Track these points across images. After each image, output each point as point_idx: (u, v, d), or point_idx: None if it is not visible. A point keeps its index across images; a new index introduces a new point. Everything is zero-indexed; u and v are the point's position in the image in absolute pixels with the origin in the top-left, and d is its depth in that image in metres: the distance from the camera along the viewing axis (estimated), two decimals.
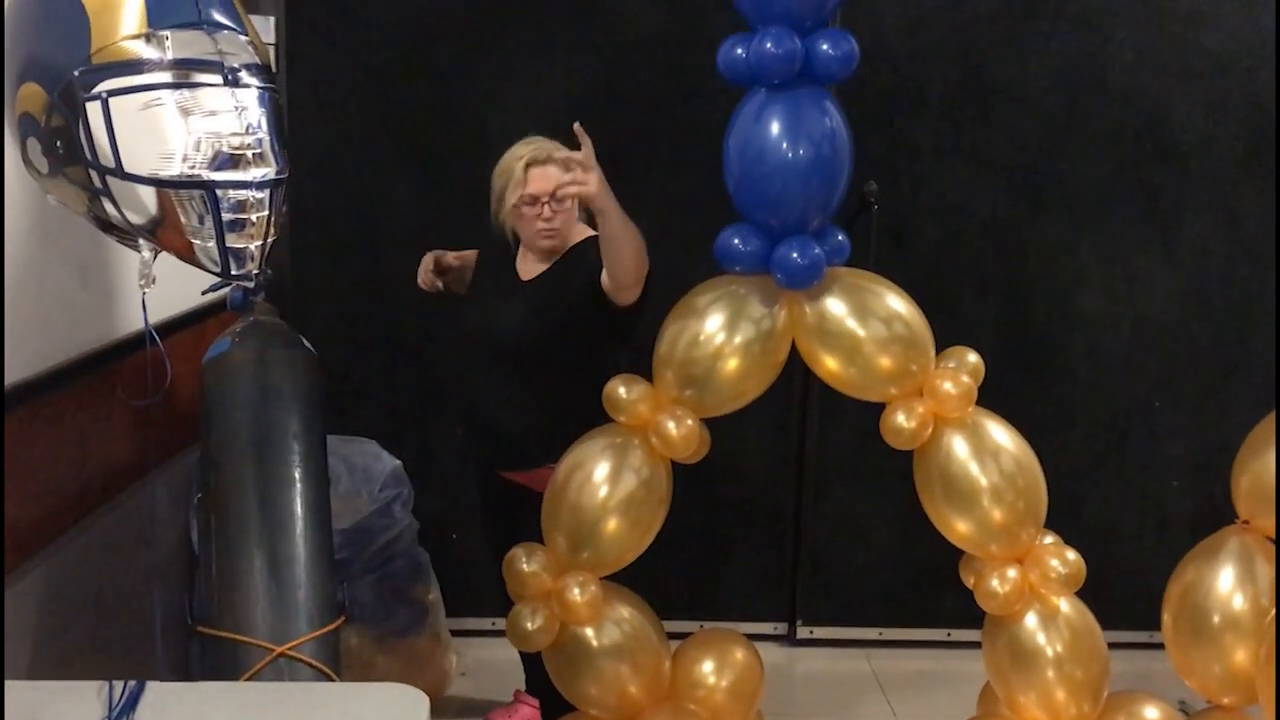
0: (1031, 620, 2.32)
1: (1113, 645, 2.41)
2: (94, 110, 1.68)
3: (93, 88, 1.67)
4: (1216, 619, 2.06)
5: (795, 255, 2.25)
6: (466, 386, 2.80)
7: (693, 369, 2.32)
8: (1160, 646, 2.23)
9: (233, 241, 1.80)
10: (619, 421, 2.39)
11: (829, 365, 2.33)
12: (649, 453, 2.37)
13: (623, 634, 2.40)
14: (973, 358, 2.37)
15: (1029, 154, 3.37)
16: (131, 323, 2.44)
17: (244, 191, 1.78)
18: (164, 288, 2.21)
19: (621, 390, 2.37)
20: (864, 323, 2.30)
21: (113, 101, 1.67)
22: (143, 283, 1.87)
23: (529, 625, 2.36)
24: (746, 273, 2.33)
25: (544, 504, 2.40)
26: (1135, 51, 3.31)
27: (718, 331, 2.31)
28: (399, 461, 3.07)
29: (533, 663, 2.92)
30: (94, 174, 1.72)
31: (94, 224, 1.90)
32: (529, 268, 2.65)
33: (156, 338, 2.07)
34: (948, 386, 2.30)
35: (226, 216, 1.77)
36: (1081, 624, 2.33)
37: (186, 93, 1.71)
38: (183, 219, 1.77)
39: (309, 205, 3.21)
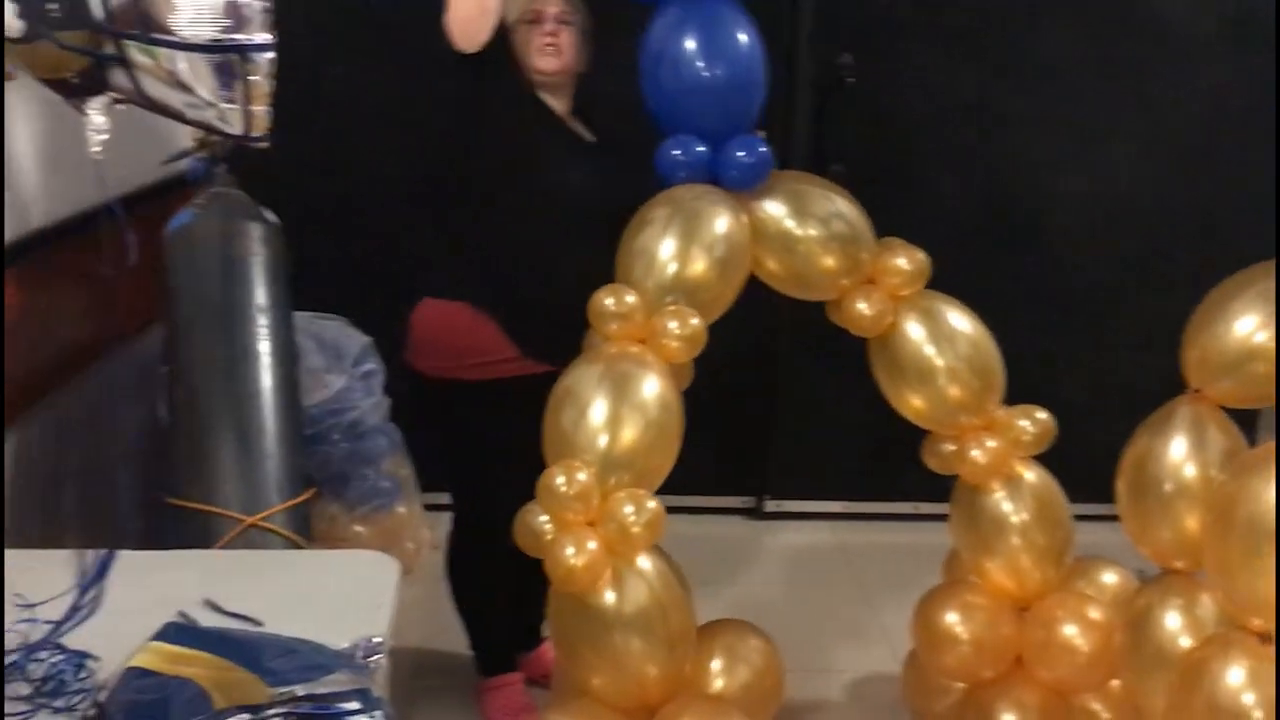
0: (999, 489, 2.37)
1: (1078, 518, 2.46)
2: None
3: None
4: (1168, 486, 2.09)
5: (742, 154, 2.27)
6: (494, 264, 2.42)
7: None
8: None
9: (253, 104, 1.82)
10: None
11: (770, 266, 2.35)
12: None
13: None
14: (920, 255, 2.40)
15: (1007, 30, 3.32)
16: (90, 196, 2.40)
17: (268, 54, 1.82)
18: (122, 162, 2.16)
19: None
20: (803, 224, 2.32)
21: None
22: (97, 149, 1.84)
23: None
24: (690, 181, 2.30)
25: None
26: None
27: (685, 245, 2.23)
28: (369, 339, 3.05)
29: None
30: (106, 39, 1.70)
31: (57, 89, 1.85)
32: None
33: (118, 209, 2.03)
34: (901, 262, 2.34)
35: (252, 79, 1.80)
36: (1046, 492, 2.39)
37: None
38: (195, 83, 1.76)
39: None
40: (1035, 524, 2.35)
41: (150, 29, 1.70)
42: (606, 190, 2.38)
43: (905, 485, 3.57)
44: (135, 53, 1.73)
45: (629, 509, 1.97)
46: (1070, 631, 2.29)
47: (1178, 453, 2.11)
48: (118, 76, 1.75)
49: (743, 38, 2.29)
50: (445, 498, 3.37)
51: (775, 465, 3.64)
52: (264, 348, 2.14)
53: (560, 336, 2.29)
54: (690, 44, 2.26)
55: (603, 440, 2.03)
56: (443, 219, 2.50)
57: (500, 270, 2.39)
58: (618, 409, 2.06)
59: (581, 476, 1.97)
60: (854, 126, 3.31)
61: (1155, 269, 3.51)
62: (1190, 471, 2.09)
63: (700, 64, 2.26)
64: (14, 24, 1.70)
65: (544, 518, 1.98)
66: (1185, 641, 2.05)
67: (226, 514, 2.02)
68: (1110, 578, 2.45)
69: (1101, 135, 3.40)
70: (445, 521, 3.34)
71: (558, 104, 2.44)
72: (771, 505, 3.67)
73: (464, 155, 2.40)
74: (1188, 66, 3.35)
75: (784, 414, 3.59)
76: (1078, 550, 2.46)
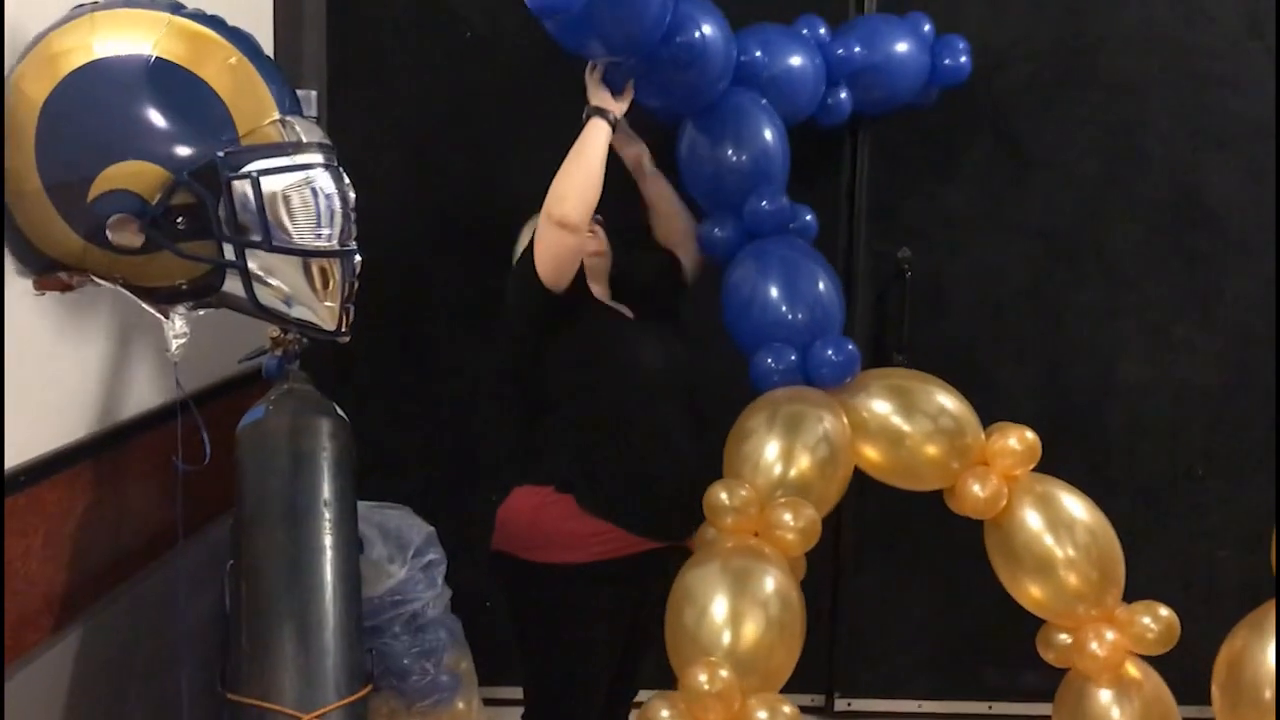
0: (1108, 689, 2.29)
1: None
2: (242, 188, 1.80)
3: (240, 168, 1.79)
4: (1268, 693, 2.00)
5: (831, 354, 2.46)
6: (570, 440, 2.48)
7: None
8: None
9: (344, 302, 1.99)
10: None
11: (874, 459, 2.41)
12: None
13: None
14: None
15: (1065, 221, 3.36)
16: (166, 392, 2.48)
17: (358, 257, 1.98)
18: (201, 358, 2.25)
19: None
20: (910, 419, 2.41)
21: (263, 180, 1.81)
22: (176, 353, 1.92)
23: None
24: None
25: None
26: (1171, 118, 3.30)
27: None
28: (433, 528, 3.07)
29: None
30: (229, 247, 1.81)
31: (145, 296, 1.93)
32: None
33: (193, 407, 2.10)
34: (1012, 443, 2.37)
35: (346, 280, 1.97)
36: (1158, 698, 2.29)
37: (314, 172, 1.89)
38: (296, 285, 1.89)
39: None
40: None
41: (270, 236, 1.83)
42: (669, 359, 2.52)
43: (981, 684, 3.44)
44: (254, 260, 1.84)
45: (763, 714, 2.00)
46: None
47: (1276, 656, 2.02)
48: (232, 283, 1.86)
49: (821, 281, 2.52)
50: (505, 692, 3.34)
51: (844, 661, 3.54)
52: (327, 542, 2.16)
53: (634, 499, 2.37)
54: (774, 291, 2.48)
55: (726, 637, 2.04)
56: (525, 416, 2.60)
57: (580, 450, 2.44)
58: (738, 605, 2.08)
59: (724, 674, 1.98)
60: (914, 318, 3.34)
61: (1224, 460, 3.43)
62: None
63: (784, 309, 2.48)
64: (135, 238, 1.80)
65: (666, 713, 2.01)
66: None
67: (284, 710, 2.00)
68: None
69: (1163, 324, 3.38)
70: (505, 716, 3.30)
71: (599, 289, 2.59)
72: (841, 703, 3.55)
73: (541, 359, 2.49)
74: (1246, 256, 3.34)
75: (853, 608, 3.51)
76: None
